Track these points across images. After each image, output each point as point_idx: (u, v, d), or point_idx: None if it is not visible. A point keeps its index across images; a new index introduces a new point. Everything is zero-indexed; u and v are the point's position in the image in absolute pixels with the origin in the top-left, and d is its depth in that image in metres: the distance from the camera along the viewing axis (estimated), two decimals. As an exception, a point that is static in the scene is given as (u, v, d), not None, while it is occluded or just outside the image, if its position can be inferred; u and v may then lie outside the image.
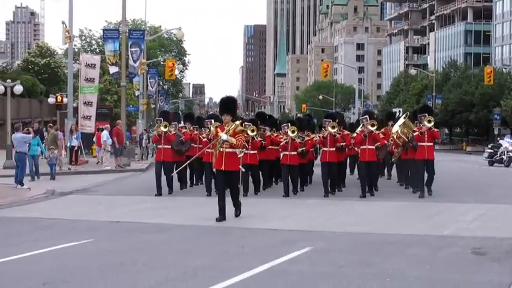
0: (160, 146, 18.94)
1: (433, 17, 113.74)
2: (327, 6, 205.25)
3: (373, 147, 18.21)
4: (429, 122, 17.46)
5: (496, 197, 18.88)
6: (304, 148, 18.71)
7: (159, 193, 18.59)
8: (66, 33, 32.16)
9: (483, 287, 8.08)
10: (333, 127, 18.03)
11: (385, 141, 19.35)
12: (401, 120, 19.82)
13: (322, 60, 79.56)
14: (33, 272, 8.91)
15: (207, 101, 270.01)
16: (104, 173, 27.74)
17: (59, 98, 41.64)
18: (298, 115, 65.28)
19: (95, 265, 9.35)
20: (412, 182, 19.50)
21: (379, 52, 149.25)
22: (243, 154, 13.81)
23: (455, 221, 13.82)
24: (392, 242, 11.29)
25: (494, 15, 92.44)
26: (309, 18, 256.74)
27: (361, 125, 19.31)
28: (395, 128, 19.69)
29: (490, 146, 40.53)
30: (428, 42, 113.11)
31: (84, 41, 79.50)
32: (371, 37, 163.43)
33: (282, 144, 18.49)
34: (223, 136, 12.85)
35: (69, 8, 32.22)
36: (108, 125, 32.44)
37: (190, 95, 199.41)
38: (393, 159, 21.24)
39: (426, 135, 17.47)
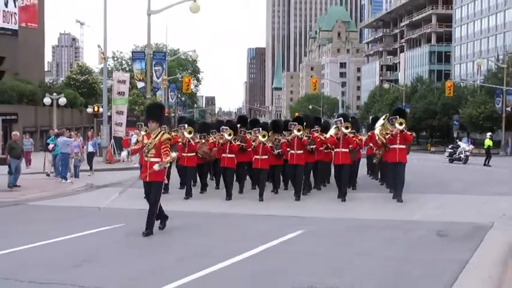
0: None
1: (403, 40, 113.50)
2: (316, 31, 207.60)
3: (347, 150, 15.53)
4: (400, 124, 14.64)
5: (455, 189, 18.74)
6: (280, 150, 16.04)
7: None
8: (102, 54, 32.16)
9: (446, 264, 7.99)
10: (299, 130, 15.43)
11: (357, 146, 16.76)
12: (380, 122, 17.09)
13: (311, 76, 79.31)
14: (74, 251, 8.87)
15: (217, 110, 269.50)
16: (132, 170, 27.59)
17: (96, 108, 41.44)
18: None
19: (122, 246, 9.35)
20: (388, 184, 17.53)
21: (359, 69, 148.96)
22: (168, 164, 10.53)
23: (422, 208, 13.74)
24: (370, 226, 11.23)
25: (454, 39, 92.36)
26: (301, 41, 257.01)
27: (333, 127, 17.04)
28: (376, 130, 16.84)
29: (450, 147, 40.35)
30: (399, 61, 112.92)
31: (116, 61, 79.57)
32: (352, 57, 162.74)
33: (251, 148, 16.01)
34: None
35: (103, 34, 32.16)
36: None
37: (204, 105, 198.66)
38: (374, 161, 18.91)
39: (398, 138, 14.80)
